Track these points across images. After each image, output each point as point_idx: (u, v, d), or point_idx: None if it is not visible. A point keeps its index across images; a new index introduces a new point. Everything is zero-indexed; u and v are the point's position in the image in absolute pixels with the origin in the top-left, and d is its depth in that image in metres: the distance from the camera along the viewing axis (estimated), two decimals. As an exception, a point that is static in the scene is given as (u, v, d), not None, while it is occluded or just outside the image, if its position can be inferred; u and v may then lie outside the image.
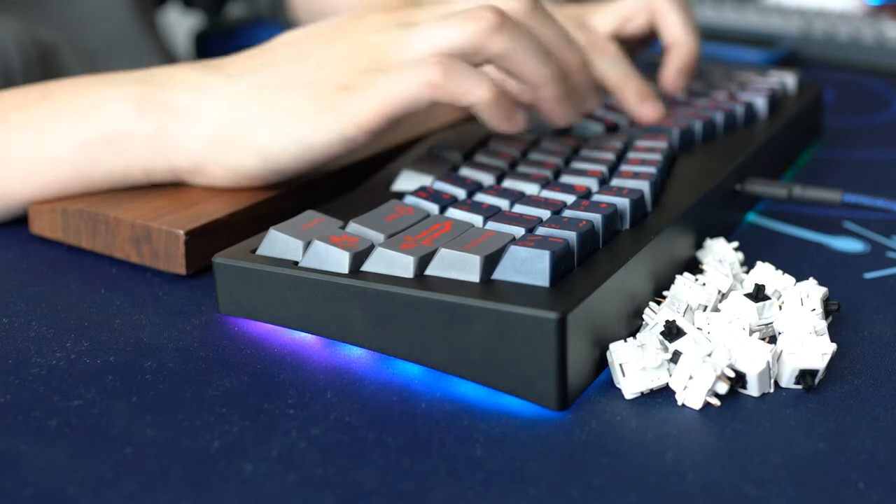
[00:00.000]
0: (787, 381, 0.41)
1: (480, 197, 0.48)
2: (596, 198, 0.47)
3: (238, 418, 0.38)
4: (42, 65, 0.69)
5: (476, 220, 0.45)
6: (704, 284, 0.45)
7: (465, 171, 0.51)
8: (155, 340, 0.43)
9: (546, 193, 0.48)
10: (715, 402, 0.39)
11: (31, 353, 0.42)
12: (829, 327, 0.45)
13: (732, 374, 0.39)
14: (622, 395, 0.40)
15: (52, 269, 0.49)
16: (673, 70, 0.65)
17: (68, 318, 0.45)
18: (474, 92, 0.47)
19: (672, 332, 0.41)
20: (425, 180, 0.51)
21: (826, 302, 0.45)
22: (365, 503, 0.34)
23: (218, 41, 0.99)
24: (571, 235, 0.42)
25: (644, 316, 0.44)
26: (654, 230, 0.46)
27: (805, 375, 0.40)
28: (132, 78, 0.52)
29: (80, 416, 0.38)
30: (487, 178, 0.50)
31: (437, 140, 0.57)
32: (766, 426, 0.38)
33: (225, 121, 0.49)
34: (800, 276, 0.48)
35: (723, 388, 0.39)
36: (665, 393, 0.40)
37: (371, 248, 0.43)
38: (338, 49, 0.50)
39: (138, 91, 0.50)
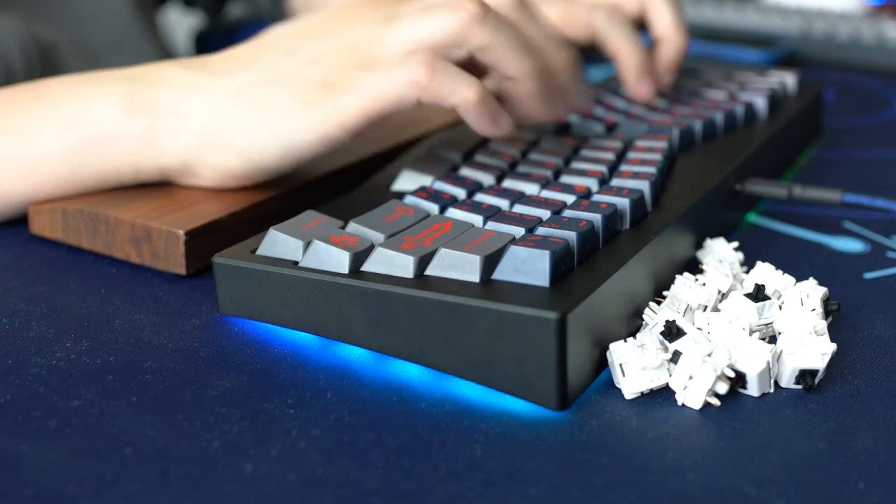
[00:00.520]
0: (787, 381, 0.41)
1: (480, 197, 0.48)
2: (596, 198, 0.47)
3: (238, 418, 0.38)
4: (43, 64, 0.69)
5: (476, 220, 0.45)
6: (704, 284, 0.45)
7: (465, 171, 0.51)
8: (155, 340, 0.43)
9: (546, 193, 0.48)
10: (715, 402, 0.39)
11: (31, 353, 0.42)
12: (829, 327, 0.45)
13: (732, 374, 0.39)
14: (622, 395, 0.40)
15: (52, 269, 0.49)
16: (661, 66, 0.64)
17: (68, 318, 0.45)
18: (459, 92, 0.46)
19: (672, 332, 0.41)
20: (425, 180, 0.51)
21: (826, 302, 0.45)
22: (365, 503, 0.34)
23: (218, 41, 0.99)
24: (571, 235, 0.42)
25: (644, 316, 0.44)
26: (654, 230, 0.46)
27: (805, 375, 0.40)
28: (121, 76, 0.52)
29: (80, 416, 0.38)
30: (487, 178, 0.50)
31: (437, 140, 0.57)
32: (766, 426, 0.38)
33: (211, 120, 0.49)
34: (800, 276, 0.48)
35: (723, 388, 0.39)
36: (665, 393, 0.40)
37: (371, 248, 0.43)
38: (323, 45, 0.49)
39: (126, 90, 0.50)
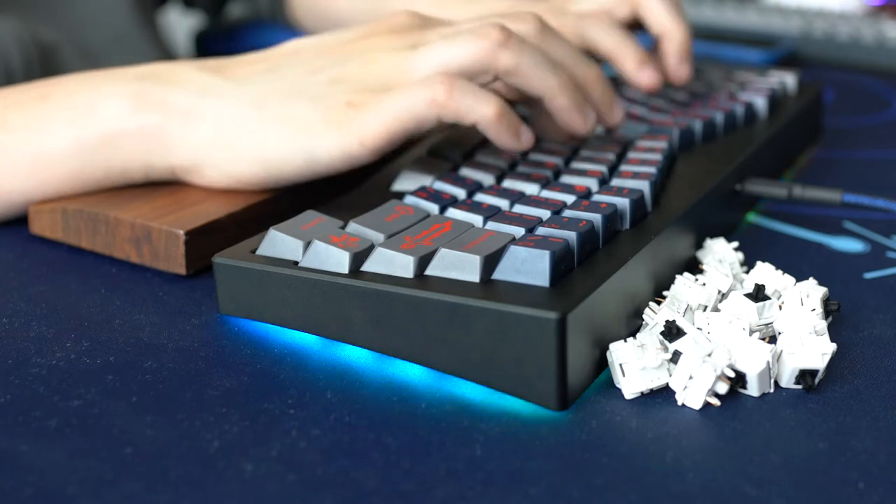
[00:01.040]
0: (787, 381, 0.41)
1: (480, 197, 0.48)
2: (596, 198, 0.47)
3: (238, 418, 0.38)
4: (43, 65, 0.69)
5: (476, 220, 0.45)
6: (704, 284, 0.45)
7: (465, 171, 0.51)
8: (155, 340, 0.43)
9: (546, 193, 0.48)
10: (715, 402, 0.39)
11: (31, 353, 0.42)
12: (829, 327, 0.45)
13: (732, 374, 0.39)
14: (622, 395, 0.40)
15: (52, 269, 0.49)
16: (672, 60, 0.63)
17: (68, 318, 0.45)
18: (478, 109, 0.47)
19: (672, 332, 0.41)
20: (425, 180, 0.51)
21: (826, 302, 0.45)
22: (365, 503, 0.34)
23: (218, 41, 0.99)
24: (571, 235, 0.42)
25: (644, 316, 0.44)
26: (654, 230, 0.46)
27: (805, 375, 0.40)
28: (131, 74, 0.52)
29: (80, 416, 0.38)
30: (487, 178, 0.50)
31: (437, 140, 0.57)
32: (766, 426, 0.38)
33: (227, 126, 0.49)
34: (800, 276, 0.48)
35: (723, 388, 0.39)
36: (665, 393, 0.40)
37: (371, 248, 0.43)
38: (347, 66, 0.50)
39: (136, 88, 0.50)
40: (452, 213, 0.46)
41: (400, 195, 0.50)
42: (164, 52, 0.80)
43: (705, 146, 0.58)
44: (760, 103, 0.63)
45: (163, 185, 0.52)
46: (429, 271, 0.41)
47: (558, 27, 0.62)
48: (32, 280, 0.48)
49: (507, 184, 0.50)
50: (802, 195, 0.54)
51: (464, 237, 0.42)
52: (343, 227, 0.45)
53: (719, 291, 0.45)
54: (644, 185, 0.48)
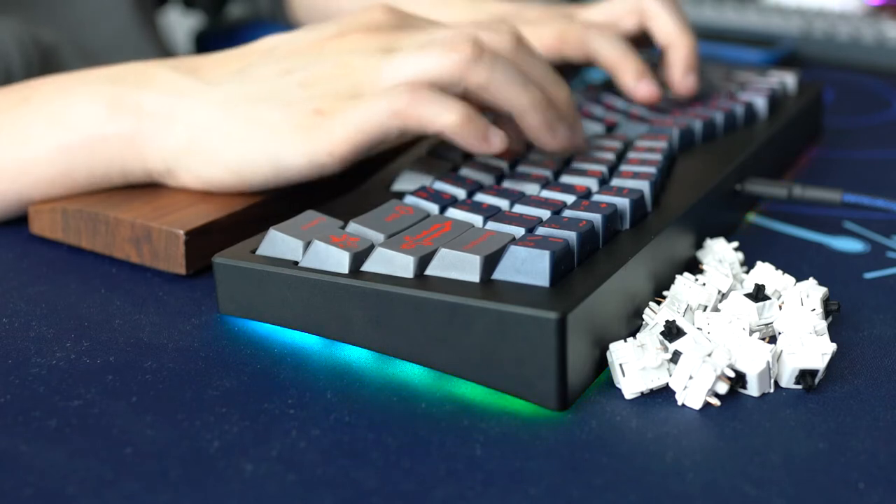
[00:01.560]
0: (787, 381, 0.41)
1: (480, 197, 0.48)
2: (596, 198, 0.47)
3: (238, 418, 0.38)
4: (43, 65, 0.69)
5: (476, 220, 0.45)
6: (704, 284, 0.45)
7: (465, 171, 0.51)
8: (155, 340, 0.43)
9: (546, 193, 0.48)
10: (715, 402, 0.39)
11: (31, 353, 0.42)
12: (829, 327, 0.45)
13: (732, 374, 0.39)
14: (622, 395, 0.40)
15: (52, 269, 0.49)
16: (678, 70, 0.63)
17: (68, 318, 0.45)
18: (442, 118, 0.46)
19: (672, 332, 0.41)
20: (425, 180, 0.51)
21: (826, 302, 0.45)
22: (365, 503, 0.34)
23: (218, 41, 0.99)
24: (571, 235, 0.42)
25: (644, 316, 0.44)
26: (654, 230, 0.46)
27: (805, 375, 0.40)
28: (104, 76, 0.52)
29: (80, 416, 0.38)
30: (487, 178, 0.50)
31: (437, 140, 0.57)
32: (766, 426, 0.38)
33: (199, 131, 0.49)
34: (800, 276, 0.48)
35: (723, 388, 0.39)
36: (665, 393, 0.40)
37: (371, 248, 0.43)
38: (317, 68, 0.49)
39: (109, 91, 0.50)
40: (452, 213, 0.46)
41: (400, 195, 0.50)
42: (164, 53, 0.80)
43: (705, 146, 0.58)
44: (760, 103, 0.63)
45: (163, 185, 0.52)
46: (429, 271, 0.41)
47: (563, 33, 0.62)
48: (32, 280, 0.48)
49: (507, 184, 0.50)
50: (802, 195, 0.54)
51: (464, 237, 0.42)
52: (343, 227, 0.45)
53: (719, 291, 0.45)
54: (644, 185, 0.48)
